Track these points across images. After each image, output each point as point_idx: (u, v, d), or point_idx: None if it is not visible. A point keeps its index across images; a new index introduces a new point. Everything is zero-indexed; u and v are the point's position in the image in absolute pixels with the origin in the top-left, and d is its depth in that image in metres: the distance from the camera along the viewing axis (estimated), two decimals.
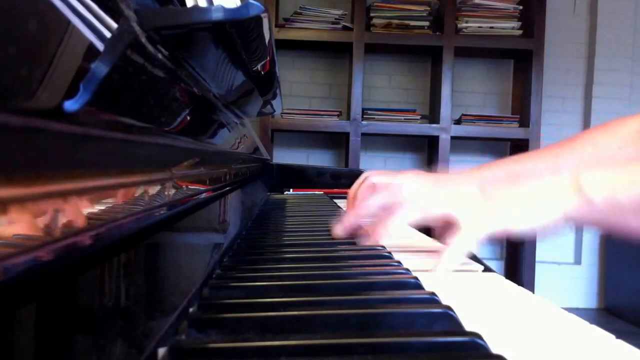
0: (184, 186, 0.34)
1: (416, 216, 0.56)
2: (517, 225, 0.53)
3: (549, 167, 0.70)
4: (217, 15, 0.35)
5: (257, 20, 0.43)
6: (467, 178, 0.63)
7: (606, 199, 0.51)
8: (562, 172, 0.56)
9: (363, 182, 0.67)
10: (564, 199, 0.53)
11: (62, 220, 0.16)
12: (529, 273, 2.71)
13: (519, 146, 2.78)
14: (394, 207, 0.57)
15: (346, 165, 2.75)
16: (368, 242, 0.56)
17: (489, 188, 0.56)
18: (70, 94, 0.17)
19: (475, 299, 0.38)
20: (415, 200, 0.57)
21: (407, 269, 0.42)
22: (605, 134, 0.72)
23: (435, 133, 2.70)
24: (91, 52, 0.20)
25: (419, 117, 2.78)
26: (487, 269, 0.53)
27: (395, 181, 0.62)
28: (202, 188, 0.41)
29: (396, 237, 0.60)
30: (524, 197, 0.54)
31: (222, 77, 0.56)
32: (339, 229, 0.62)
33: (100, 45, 0.21)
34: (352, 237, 0.60)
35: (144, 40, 0.29)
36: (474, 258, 0.56)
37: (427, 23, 2.68)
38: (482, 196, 0.56)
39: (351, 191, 0.70)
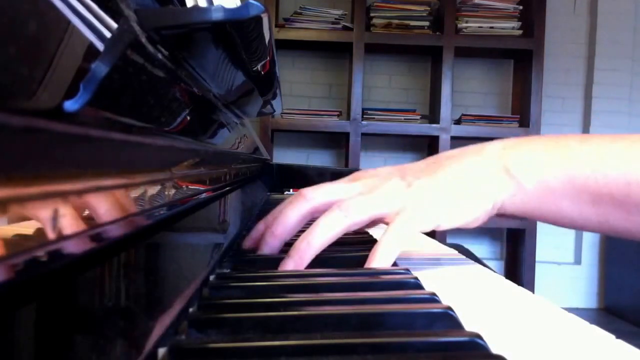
0: (184, 186, 0.34)
1: (339, 227, 0.47)
2: (446, 222, 0.48)
3: None
4: (217, 15, 0.35)
5: (257, 20, 0.43)
6: (397, 169, 0.53)
7: (536, 182, 0.46)
8: (485, 150, 0.49)
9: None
10: (494, 184, 0.47)
11: (62, 220, 0.16)
12: (529, 273, 2.71)
13: None
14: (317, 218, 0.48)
15: (346, 165, 2.75)
16: (289, 265, 0.44)
17: (410, 177, 0.49)
18: (70, 94, 0.17)
19: (475, 299, 0.38)
20: (339, 209, 0.47)
21: (406, 269, 0.42)
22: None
23: (435, 133, 2.70)
24: (91, 52, 0.20)
25: (419, 117, 2.78)
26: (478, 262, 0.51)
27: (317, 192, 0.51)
28: (202, 188, 0.41)
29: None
30: (453, 185, 0.48)
31: (222, 77, 0.56)
32: (249, 243, 0.52)
33: (100, 45, 0.21)
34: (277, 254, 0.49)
35: (144, 40, 0.29)
36: (474, 258, 0.56)
37: (427, 23, 2.68)
38: (406, 188, 0.48)
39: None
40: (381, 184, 0.50)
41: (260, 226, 0.52)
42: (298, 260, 0.44)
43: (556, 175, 0.46)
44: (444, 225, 0.48)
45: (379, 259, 0.45)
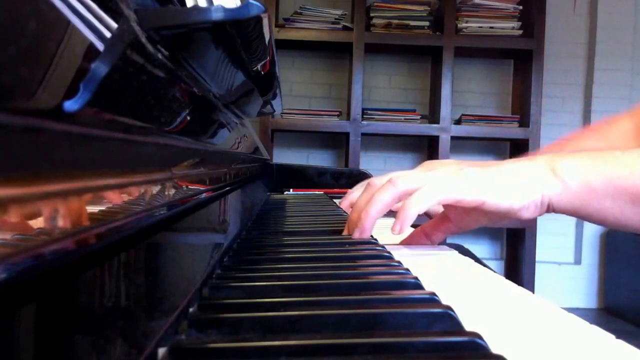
0: (184, 186, 0.34)
1: (430, 201, 0.53)
2: (491, 199, 0.52)
3: None
4: (217, 15, 0.35)
5: (257, 20, 0.43)
6: (459, 162, 0.63)
7: (579, 181, 0.51)
8: (536, 158, 0.55)
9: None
10: (542, 180, 0.52)
11: (62, 220, 0.16)
12: (529, 273, 2.71)
13: (519, 146, 2.78)
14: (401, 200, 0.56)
15: (346, 165, 2.75)
16: (396, 232, 0.54)
17: (466, 165, 0.57)
18: (70, 94, 0.17)
19: (475, 299, 0.38)
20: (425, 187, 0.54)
21: (407, 269, 0.42)
22: (596, 137, 0.72)
23: (435, 133, 2.70)
24: (91, 52, 0.20)
25: (419, 117, 2.78)
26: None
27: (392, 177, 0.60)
28: (202, 188, 0.41)
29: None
30: (502, 174, 0.54)
31: (222, 77, 0.56)
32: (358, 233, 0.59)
33: (100, 45, 0.21)
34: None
35: (144, 40, 0.29)
36: (474, 258, 0.56)
37: (427, 23, 2.68)
38: (457, 170, 0.55)
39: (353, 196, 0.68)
40: (439, 171, 0.57)
41: (354, 215, 0.60)
42: (405, 222, 0.54)
43: (597, 177, 0.51)
44: (489, 202, 0.52)
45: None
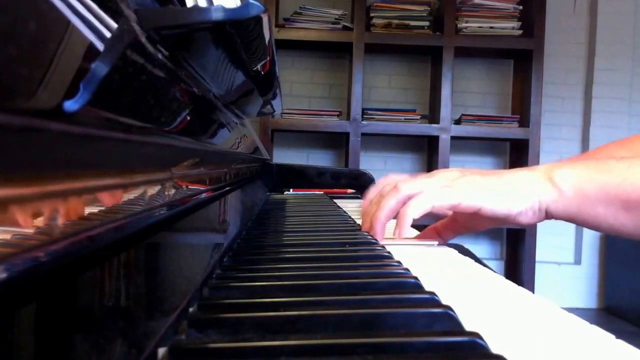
0: (184, 186, 0.34)
1: (424, 207, 0.56)
2: (489, 204, 0.55)
3: None
4: (217, 15, 0.35)
5: (257, 20, 0.43)
6: (463, 170, 0.65)
7: (573, 188, 0.54)
8: (536, 167, 0.58)
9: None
10: (539, 187, 0.55)
11: (62, 220, 0.16)
12: (529, 273, 2.71)
13: (519, 146, 2.78)
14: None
15: (346, 165, 2.75)
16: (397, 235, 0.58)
17: (469, 173, 0.60)
18: (70, 94, 0.17)
19: (475, 299, 0.38)
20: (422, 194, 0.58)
21: (407, 269, 0.42)
22: (622, 150, 0.74)
23: (435, 133, 2.70)
24: (91, 52, 0.20)
25: (419, 117, 2.78)
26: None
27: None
28: (202, 188, 0.41)
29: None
30: (500, 181, 0.57)
31: (222, 77, 0.56)
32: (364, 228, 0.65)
33: (100, 45, 0.21)
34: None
35: (144, 40, 0.29)
36: (474, 258, 0.57)
37: (427, 23, 2.68)
38: (457, 177, 0.59)
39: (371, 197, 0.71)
40: (438, 177, 0.60)
41: (366, 219, 0.65)
42: (403, 227, 0.57)
43: (590, 184, 0.53)
44: (485, 207, 0.55)
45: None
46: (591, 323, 0.31)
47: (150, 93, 0.28)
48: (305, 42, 2.71)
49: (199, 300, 0.32)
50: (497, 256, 3.02)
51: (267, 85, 0.79)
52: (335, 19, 2.67)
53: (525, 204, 0.55)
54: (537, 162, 2.66)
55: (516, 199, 0.55)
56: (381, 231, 0.61)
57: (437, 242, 0.64)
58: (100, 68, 0.20)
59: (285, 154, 2.95)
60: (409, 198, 0.58)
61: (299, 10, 2.68)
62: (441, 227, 0.66)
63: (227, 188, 0.55)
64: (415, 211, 0.56)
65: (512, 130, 2.72)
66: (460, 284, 0.43)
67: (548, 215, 0.56)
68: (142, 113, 0.26)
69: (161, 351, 0.24)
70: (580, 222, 0.56)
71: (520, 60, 2.85)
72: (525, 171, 0.58)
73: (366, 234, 0.63)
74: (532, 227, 2.70)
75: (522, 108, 2.80)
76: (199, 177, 0.40)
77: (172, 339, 0.26)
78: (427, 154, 2.95)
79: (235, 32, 0.44)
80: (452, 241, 0.66)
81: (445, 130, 2.68)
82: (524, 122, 2.73)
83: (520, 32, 2.68)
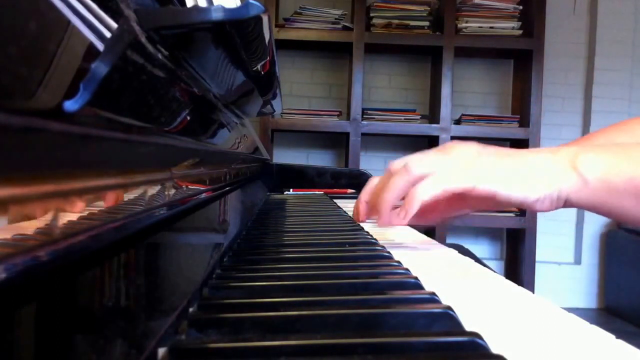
0: (184, 186, 0.34)
1: (436, 190, 0.52)
2: (504, 189, 0.51)
3: None
4: (217, 15, 0.35)
5: (257, 20, 0.43)
6: (481, 147, 0.59)
7: (599, 179, 0.50)
8: (559, 150, 0.54)
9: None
10: (560, 174, 0.51)
11: (62, 220, 0.16)
12: (529, 273, 2.71)
13: (519, 146, 2.77)
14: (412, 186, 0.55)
15: (346, 165, 2.74)
16: (396, 221, 0.55)
17: (485, 152, 0.55)
18: (70, 94, 0.17)
19: (475, 299, 0.38)
20: (433, 175, 0.54)
21: (406, 269, 0.42)
22: (623, 134, 0.71)
23: (435, 133, 2.70)
24: (91, 52, 0.20)
25: (419, 117, 2.78)
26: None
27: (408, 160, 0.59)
28: (202, 188, 0.41)
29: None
30: (519, 165, 0.53)
31: (222, 77, 0.56)
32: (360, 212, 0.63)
33: (100, 45, 0.21)
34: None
35: (144, 40, 0.29)
36: (474, 258, 0.56)
37: (427, 23, 2.68)
38: (473, 157, 0.54)
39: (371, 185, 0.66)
40: (453, 157, 0.56)
41: (372, 199, 0.61)
42: (410, 210, 0.53)
43: (618, 175, 0.49)
44: (501, 192, 0.51)
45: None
46: (591, 323, 0.31)
47: (150, 93, 0.28)
48: (305, 42, 2.71)
49: (199, 300, 0.32)
50: (497, 256, 3.02)
51: (267, 85, 0.79)
52: (335, 19, 2.67)
53: (545, 192, 0.51)
54: None
55: (535, 185, 0.51)
56: (386, 214, 0.57)
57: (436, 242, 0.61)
58: (100, 68, 0.20)
59: (285, 154, 2.95)
60: (420, 179, 0.54)
61: (299, 10, 2.68)
62: (444, 206, 0.60)
63: (227, 188, 0.55)
64: (425, 194, 0.52)
65: (512, 130, 2.72)
66: (461, 283, 0.43)
67: (567, 204, 0.52)
68: (142, 113, 0.26)
69: (161, 351, 0.24)
70: (603, 213, 0.52)
71: (520, 60, 2.85)
72: (547, 154, 0.53)
73: (366, 233, 0.63)
74: (532, 227, 2.70)
75: (522, 108, 2.80)
76: (199, 177, 0.40)
77: (172, 339, 0.26)
78: None
79: (235, 32, 0.44)
80: (452, 241, 0.66)
81: (445, 130, 2.68)
82: (524, 122, 2.73)
83: (520, 32, 2.68)
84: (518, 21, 2.69)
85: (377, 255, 0.50)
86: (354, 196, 1.39)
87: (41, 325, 0.16)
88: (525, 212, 2.66)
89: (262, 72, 0.66)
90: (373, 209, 0.59)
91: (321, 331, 0.28)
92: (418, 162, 0.55)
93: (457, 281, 0.44)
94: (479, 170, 0.52)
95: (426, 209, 0.56)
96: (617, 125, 0.73)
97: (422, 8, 2.68)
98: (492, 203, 0.56)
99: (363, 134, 2.67)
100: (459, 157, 0.55)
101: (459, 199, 0.57)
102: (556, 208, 0.53)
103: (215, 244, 0.44)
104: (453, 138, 2.68)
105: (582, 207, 0.52)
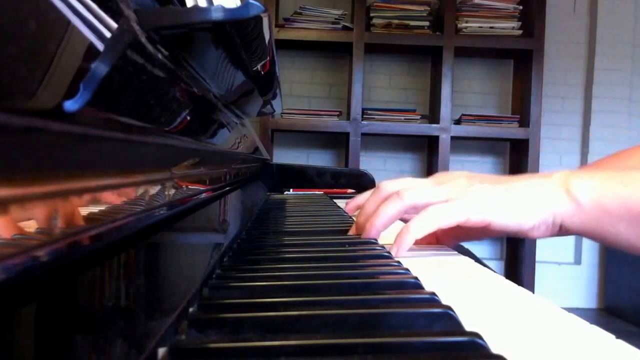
0: (184, 186, 0.34)
1: (429, 227, 0.52)
2: (498, 219, 0.50)
3: None
4: (217, 15, 0.35)
5: (257, 20, 0.43)
6: (471, 176, 0.59)
7: (593, 202, 0.49)
8: (552, 175, 0.53)
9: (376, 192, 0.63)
10: (554, 199, 0.50)
11: (62, 220, 0.16)
12: (529, 273, 2.71)
13: (519, 146, 2.78)
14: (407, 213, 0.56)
15: (346, 165, 2.75)
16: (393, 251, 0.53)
17: (478, 181, 0.55)
18: (70, 94, 0.17)
19: (475, 298, 0.38)
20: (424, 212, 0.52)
21: (406, 269, 0.42)
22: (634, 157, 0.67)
23: (435, 133, 2.70)
24: (91, 52, 0.20)
25: (419, 117, 2.78)
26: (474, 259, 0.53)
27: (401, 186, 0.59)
28: (202, 188, 0.41)
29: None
30: (512, 193, 0.52)
31: (222, 77, 0.56)
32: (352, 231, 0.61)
33: (100, 45, 0.21)
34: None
35: (144, 40, 0.29)
36: (474, 258, 0.56)
37: (427, 23, 2.68)
38: (465, 188, 0.54)
39: (362, 201, 0.66)
40: (449, 187, 0.55)
41: (361, 219, 0.60)
42: (401, 247, 0.52)
43: (612, 199, 0.48)
44: (495, 221, 0.50)
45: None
46: (591, 323, 0.31)
47: (150, 93, 0.28)
48: (305, 42, 2.71)
49: (199, 300, 0.32)
50: (497, 256, 3.02)
51: (267, 85, 0.79)
52: (335, 19, 2.67)
53: (539, 218, 0.50)
54: (537, 162, 2.67)
55: (529, 213, 0.50)
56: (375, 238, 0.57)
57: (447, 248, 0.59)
58: (100, 68, 0.20)
59: (285, 154, 2.95)
60: (412, 208, 0.54)
61: (299, 10, 2.68)
62: (441, 233, 0.60)
63: (227, 188, 0.55)
64: (418, 232, 0.51)
65: (512, 130, 2.73)
66: (460, 283, 0.43)
67: (562, 229, 0.51)
68: (142, 113, 0.26)
69: (161, 351, 0.24)
70: (598, 239, 0.51)
71: (520, 60, 2.85)
72: (540, 179, 0.53)
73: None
74: None
75: (522, 108, 2.80)
76: (199, 177, 0.40)
77: (172, 339, 0.26)
78: (427, 154, 2.95)
79: (235, 32, 0.44)
80: None
81: (445, 130, 2.68)
82: (524, 122, 2.73)
83: (520, 32, 2.68)
84: (518, 21, 2.69)
85: (377, 255, 0.50)
86: (354, 196, 1.39)
87: (41, 326, 0.16)
88: None
89: (262, 72, 0.66)
90: (362, 231, 0.58)
91: (321, 331, 0.28)
92: (411, 191, 0.55)
93: (457, 281, 0.44)
94: (471, 200, 0.51)
95: (420, 241, 0.56)
96: (628, 151, 0.69)
97: (422, 8, 2.68)
98: (487, 232, 0.55)
99: (363, 134, 2.67)
100: (451, 187, 0.55)
101: (454, 228, 0.57)
102: (552, 234, 0.52)
103: (215, 244, 0.44)
104: (453, 138, 2.68)
105: (577, 232, 0.51)
